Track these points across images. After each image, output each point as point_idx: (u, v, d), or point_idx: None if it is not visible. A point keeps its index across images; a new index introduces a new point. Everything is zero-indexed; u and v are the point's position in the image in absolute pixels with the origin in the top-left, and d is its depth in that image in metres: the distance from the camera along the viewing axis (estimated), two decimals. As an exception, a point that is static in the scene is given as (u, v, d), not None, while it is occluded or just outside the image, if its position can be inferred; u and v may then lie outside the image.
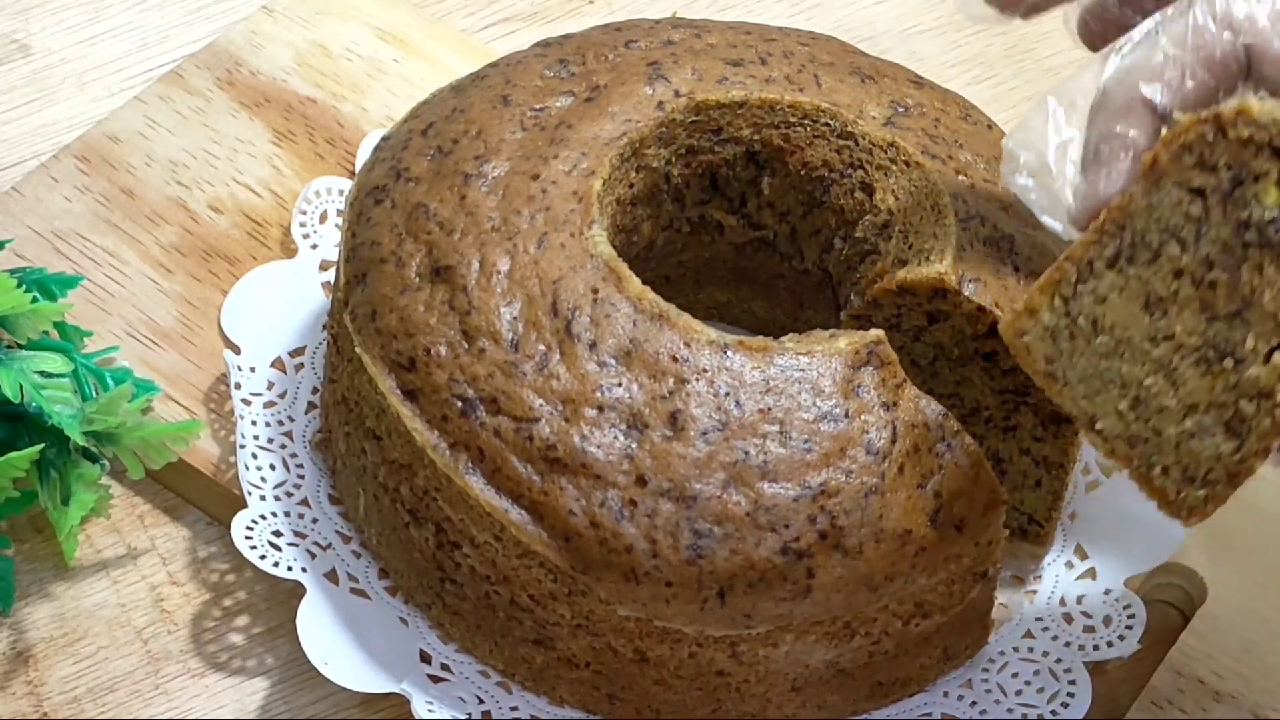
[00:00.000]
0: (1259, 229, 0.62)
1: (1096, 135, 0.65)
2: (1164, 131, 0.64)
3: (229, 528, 0.78)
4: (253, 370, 0.83)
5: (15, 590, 0.79)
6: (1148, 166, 0.64)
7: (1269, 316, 0.63)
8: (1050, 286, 0.66)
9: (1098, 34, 0.71)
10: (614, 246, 0.76)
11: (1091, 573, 0.81)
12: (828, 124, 0.80)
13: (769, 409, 0.72)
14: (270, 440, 0.81)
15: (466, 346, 0.73)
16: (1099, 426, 0.67)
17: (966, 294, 0.75)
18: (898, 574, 0.72)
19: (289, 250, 0.88)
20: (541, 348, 0.72)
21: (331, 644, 0.75)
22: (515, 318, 0.73)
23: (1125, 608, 0.79)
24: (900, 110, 0.81)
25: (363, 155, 0.90)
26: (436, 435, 0.72)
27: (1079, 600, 0.80)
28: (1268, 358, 0.63)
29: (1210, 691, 0.79)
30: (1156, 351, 0.65)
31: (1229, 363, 0.64)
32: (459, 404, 0.72)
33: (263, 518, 0.78)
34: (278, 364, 0.83)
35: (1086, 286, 0.66)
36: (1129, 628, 0.79)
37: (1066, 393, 0.67)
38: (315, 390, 0.83)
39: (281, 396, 0.82)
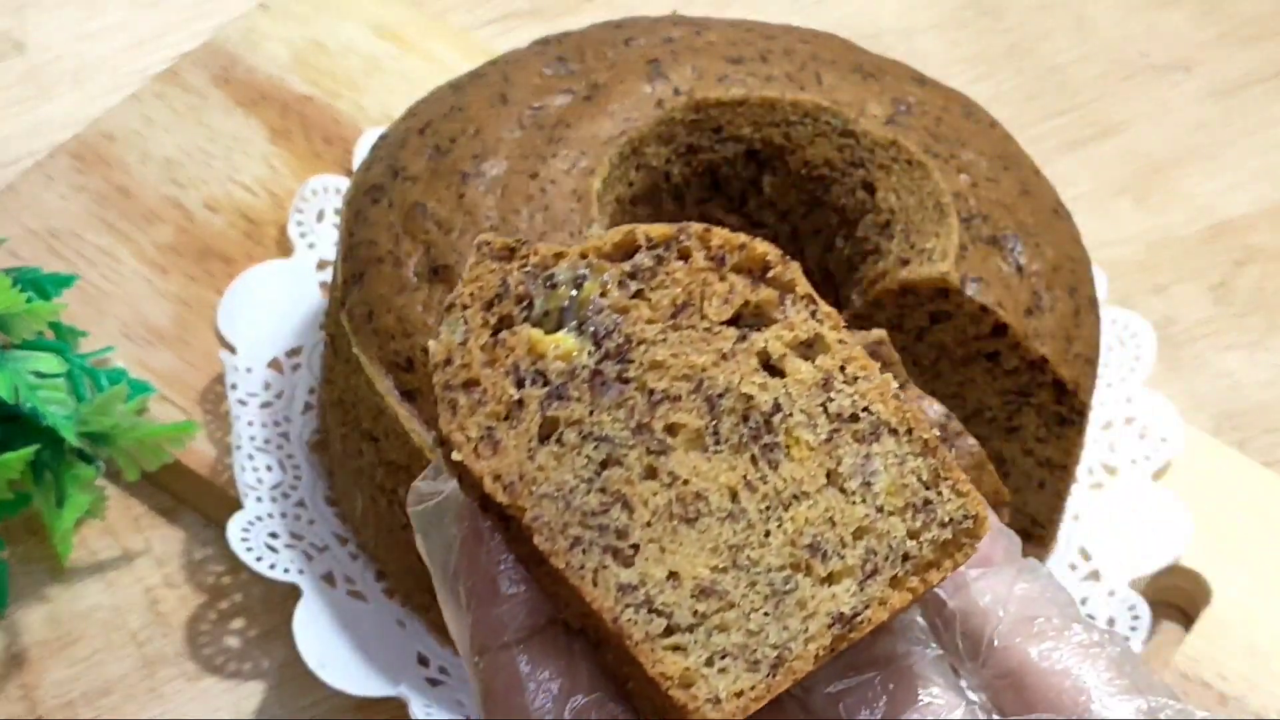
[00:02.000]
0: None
1: None
2: None
3: (225, 530, 0.77)
4: (249, 371, 0.82)
5: (9, 593, 0.78)
6: None
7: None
8: None
9: None
10: (613, 246, 0.76)
11: (1095, 574, 0.80)
12: (829, 122, 0.80)
13: (770, 410, 0.71)
14: (267, 441, 0.80)
15: (465, 347, 0.72)
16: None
17: (969, 294, 0.75)
18: (900, 576, 0.71)
19: (285, 249, 0.87)
20: (540, 348, 0.72)
21: (328, 647, 0.75)
22: (514, 318, 0.72)
23: (1129, 609, 0.79)
24: (902, 109, 0.80)
25: (360, 153, 0.90)
26: (435, 436, 0.72)
27: (1083, 602, 0.79)
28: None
29: (1215, 694, 0.78)
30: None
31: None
32: (457, 405, 0.72)
33: (259, 519, 0.78)
34: (274, 364, 0.83)
35: None
36: (1133, 629, 0.78)
37: None
38: (312, 391, 0.82)
39: (278, 397, 0.82)
